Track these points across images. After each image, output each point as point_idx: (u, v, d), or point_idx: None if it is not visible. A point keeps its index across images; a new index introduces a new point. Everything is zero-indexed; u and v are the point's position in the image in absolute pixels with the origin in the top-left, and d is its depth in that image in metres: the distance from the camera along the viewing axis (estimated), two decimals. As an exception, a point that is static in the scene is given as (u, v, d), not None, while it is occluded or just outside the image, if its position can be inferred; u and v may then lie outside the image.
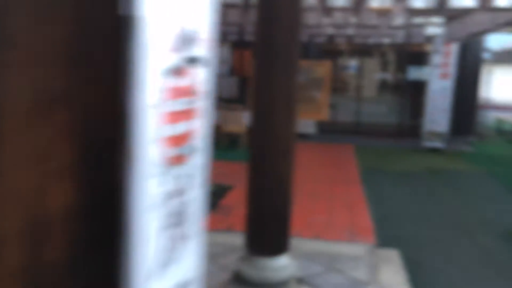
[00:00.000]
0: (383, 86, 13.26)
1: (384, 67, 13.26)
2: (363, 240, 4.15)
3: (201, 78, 1.25)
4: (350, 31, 9.90)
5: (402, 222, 4.75)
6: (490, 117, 13.37)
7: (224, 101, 11.88)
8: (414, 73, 11.14)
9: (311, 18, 6.09)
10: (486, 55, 10.98)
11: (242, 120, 9.08)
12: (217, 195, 5.68)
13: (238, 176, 6.53)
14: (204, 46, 1.24)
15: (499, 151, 9.74)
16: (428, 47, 11.39)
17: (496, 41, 12.46)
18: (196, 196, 1.37)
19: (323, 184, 6.41)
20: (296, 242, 3.92)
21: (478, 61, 10.71)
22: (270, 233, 2.75)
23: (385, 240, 4.19)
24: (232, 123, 9.25)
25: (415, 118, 12.12)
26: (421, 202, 5.63)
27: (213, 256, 3.64)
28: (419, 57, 12.21)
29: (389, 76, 13.25)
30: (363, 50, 11.86)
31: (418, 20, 10.61)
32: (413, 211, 5.19)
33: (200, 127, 1.33)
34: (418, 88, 12.55)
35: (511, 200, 5.79)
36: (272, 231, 2.75)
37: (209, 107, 1.35)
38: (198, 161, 1.36)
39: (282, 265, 2.79)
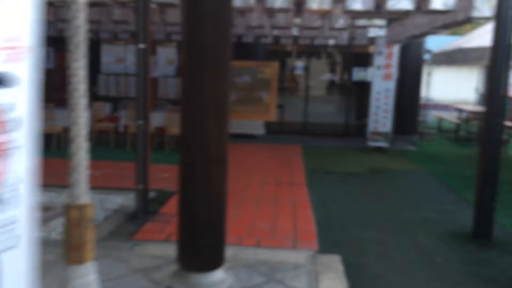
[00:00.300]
0: (330, 86, 13.42)
1: (330, 68, 13.43)
2: (306, 246, 4.06)
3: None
4: (294, 32, 9.89)
5: (345, 225, 4.72)
6: (431, 116, 13.87)
7: (171, 103, 11.56)
8: (359, 74, 11.33)
9: (254, 19, 5.97)
10: (426, 57, 11.36)
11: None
12: (157, 202, 5.43)
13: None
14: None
15: (440, 149, 10.07)
16: (371, 49, 11.62)
17: (435, 43, 12.94)
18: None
19: (268, 187, 6.30)
20: (236, 251, 3.77)
21: (419, 62, 11.05)
22: (203, 247, 2.57)
23: (328, 244, 4.13)
24: (178, 125, 8.96)
25: (361, 118, 12.35)
26: (365, 203, 5.64)
27: (146, 270, 3.41)
28: (364, 59, 12.44)
29: (335, 77, 13.42)
30: (309, 51, 11.92)
31: (361, 22, 10.78)
32: (357, 213, 5.18)
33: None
34: (363, 89, 12.79)
35: (451, 199, 5.93)
36: (206, 245, 2.57)
37: (29, 140, 1.07)
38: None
39: (216, 280, 2.62)
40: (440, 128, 13.25)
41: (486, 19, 4.43)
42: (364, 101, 13.01)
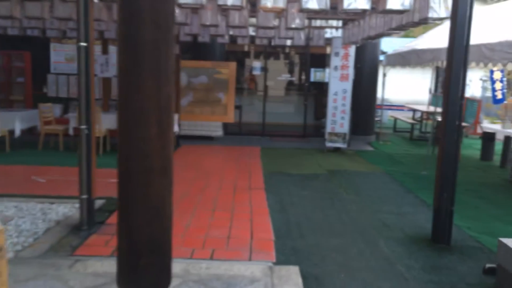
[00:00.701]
0: (288, 87, 13.34)
1: (288, 68, 13.35)
2: (263, 257, 3.85)
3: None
4: (251, 32, 9.72)
5: (304, 232, 4.55)
6: (386, 117, 14.07)
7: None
8: (317, 74, 11.28)
9: (208, 17, 5.70)
10: (381, 58, 11.47)
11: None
12: (105, 211, 5.07)
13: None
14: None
15: (396, 150, 10.17)
16: (329, 50, 11.61)
17: (388, 45, 13.14)
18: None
19: (225, 191, 6.06)
20: (188, 265, 3.51)
21: (375, 63, 11.14)
22: (145, 269, 2.30)
23: (286, 254, 3.94)
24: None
25: (319, 119, 12.33)
26: (323, 207, 5.51)
27: (88, 291, 3.10)
28: (321, 59, 12.45)
29: (293, 77, 13.34)
30: (267, 52, 11.77)
31: (317, 22, 10.72)
32: (316, 218, 5.03)
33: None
34: (321, 90, 12.80)
35: (409, 202, 5.90)
36: (148, 266, 2.30)
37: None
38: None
39: (162, 304, 2.36)
40: (395, 128, 13.45)
41: (442, 19, 4.38)
42: (322, 101, 13.01)
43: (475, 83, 21.92)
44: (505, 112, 16.29)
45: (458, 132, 4.02)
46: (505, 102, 15.11)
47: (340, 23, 9.85)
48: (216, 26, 6.08)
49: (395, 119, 13.53)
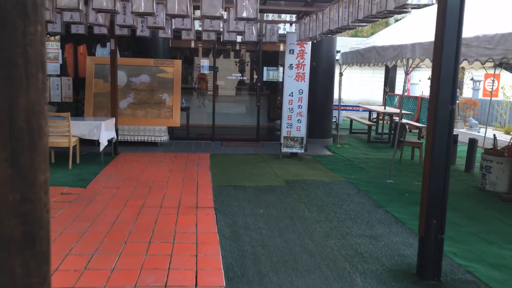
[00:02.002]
0: (240, 87, 12.45)
1: (240, 67, 12.46)
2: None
3: None
4: (197, 27, 8.80)
5: (262, 269, 3.68)
6: (341, 117, 13.51)
7: (53, 107, 9.76)
8: (270, 73, 10.47)
9: (139, 4, 4.69)
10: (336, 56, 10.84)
11: (71, 130, 7.25)
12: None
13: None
14: None
15: (355, 153, 9.55)
16: (282, 47, 10.85)
17: (338, 43, 12.54)
18: None
19: (167, 213, 5.08)
20: None
21: (332, 61, 10.48)
22: None
23: (241, 305, 3.05)
24: (57, 135, 7.35)
25: (273, 121, 11.55)
26: (283, 230, 4.67)
27: None
28: (275, 57, 11.67)
29: (245, 76, 12.48)
30: (217, 49, 10.81)
31: (270, 16, 9.91)
32: (275, 247, 4.17)
33: None
34: (275, 89, 12.03)
35: (380, 219, 5.18)
36: None
37: None
38: None
39: None
40: (351, 130, 12.93)
41: (423, 7, 3.65)
42: (276, 102, 12.24)
43: (424, 83, 22.08)
44: (458, 112, 16.27)
45: (449, 143, 3.28)
46: (457, 101, 15.02)
47: (294, 17, 9.09)
48: (151, 15, 5.09)
49: (351, 120, 13.01)
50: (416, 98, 14.07)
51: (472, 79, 19.26)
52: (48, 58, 9.73)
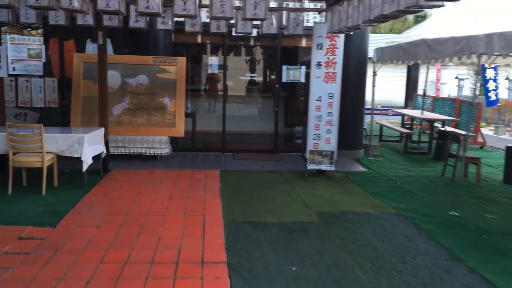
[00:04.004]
0: (254, 88, 10.87)
1: (254, 65, 10.88)
2: None
3: None
4: (204, 18, 7.31)
5: None
6: (365, 122, 11.88)
7: (35, 113, 8.26)
8: (290, 73, 8.86)
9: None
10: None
11: (45, 146, 5.75)
12: None
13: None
14: None
15: (394, 169, 7.93)
16: (308, 42, 9.26)
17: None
18: None
19: (157, 275, 3.52)
20: None
21: (364, 58, 8.86)
22: None
23: None
24: (28, 152, 5.84)
25: (291, 127, 9.98)
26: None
27: None
28: (294, 54, 10.09)
29: (261, 76, 10.88)
30: (228, 44, 9.21)
31: (291, 4, 8.32)
32: None
33: None
34: (294, 91, 10.46)
35: (467, 285, 3.57)
36: None
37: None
38: None
39: None
40: (381, 137, 11.29)
41: None
42: (295, 106, 10.67)
43: (451, 83, 20.30)
44: (498, 115, 14.54)
45: None
46: (498, 104, 13.30)
47: (324, 4, 7.49)
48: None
49: (381, 126, 11.36)
50: (453, 100, 12.36)
51: (507, 78, 17.49)
52: (29, 56, 8.24)
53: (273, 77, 9.24)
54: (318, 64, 7.07)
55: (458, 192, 5.88)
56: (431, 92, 17.80)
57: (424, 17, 25.82)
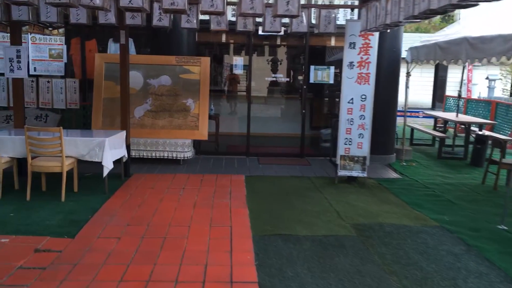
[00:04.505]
0: (280, 89, 10.49)
1: (280, 65, 10.51)
2: None
3: None
4: (229, 16, 6.99)
5: None
6: (399, 125, 11.38)
7: (57, 114, 8.07)
8: (318, 74, 8.46)
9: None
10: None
11: (64, 150, 5.51)
12: None
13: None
14: None
15: (430, 176, 7.46)
16: (337, 41, 8.87)
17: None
18: None
19: (185, 300, 3.19)
20: None
21: (397, 58, 8.40)
22: None
23: None
24: (47, 157, 5.60)
25: (317, 129, 9.58)
26: None
27: None
28: (321, 54, 9.69)
29: (287, 77, 10.50)
30: (253, 43, 8.86)
31: (320, 1, 7.94)
32: None
33: None
34: (320, 92, 10.07)
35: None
36: None
37: None
38: None
39: None
40: (412, 141, 10.78)
41: None
42: (321, 107, 10.26)
43: (482, 83, 19.51)
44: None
45: None
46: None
47: (356, 1, 7.07)
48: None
49: (412, 129, 10.84)
50: (488, 102, 11.74)
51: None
52: (50, 56, 8.05)
53: (300, 78, 8.84)
54: (351, 64, 6.66)
55: (499, 201, 5.39)
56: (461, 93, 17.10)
57: (452, 17, 25.01)
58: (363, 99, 6.69)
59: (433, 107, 21.09)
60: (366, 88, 6.68)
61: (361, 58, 6.64)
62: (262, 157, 8.59)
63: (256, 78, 9.65)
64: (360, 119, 6.71)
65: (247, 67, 8.93)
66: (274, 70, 10.44)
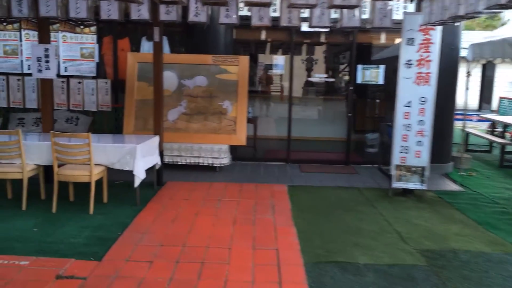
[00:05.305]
0: (323, 90, 9.80)
1: (323, 64, 9.82)
2: None
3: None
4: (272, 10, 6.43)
5: None
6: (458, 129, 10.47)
7: (87, 117, 7.67)
8: (366, 73, 7.73)
9: None
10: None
11: (93, 157, 5.05)
12: None
13: None
14: None
15: (494, 188, 6.62)
16: (389, 37, 8.13)
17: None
18: None
19: None
20: None
21: (455, 57, 7.56)
22: None
23: None
24: (75, 164, 5.15)
25: (360, 133, 8.85)
26: None
27: None
28: (366, 52, 8.94)
29: (331, 77, 9.79)
30: (294, 41, 8.20)
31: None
32: None
33: None
34: (365, 93, 9.32)
35: None
36: None
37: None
38: None
39: None
40: (467, 147, 9.85)
41: None
42: (366, 109, 9.51)
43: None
44: None
45: None
46: None
47: (415, -8, 6.34)
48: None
49: (467, 134, 9.91)
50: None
51: None
52: (81, 56, 7.65)
53: (345, 78, 8.14)
54: (408, 63, 5.91)
55: None
56: (508, 94, 15.91)
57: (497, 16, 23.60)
58: (422, 102, 5.93)
59: (480, 109, 19.84)
60: (426, 90, 5.92)
61: (421, 55, 5.89)
62: (304, 164, 7.94)
63: (296, 78, 9.00)
64: (419, 124, 5.96)
65: (288, 67, 8.28)
66: (316, 69, 9.76)
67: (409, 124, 5.98)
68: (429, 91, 5.91)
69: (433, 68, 5.89)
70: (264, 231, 4.58)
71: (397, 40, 8.49)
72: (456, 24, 5.88)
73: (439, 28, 5.82)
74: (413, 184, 6.04)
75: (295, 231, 4.59)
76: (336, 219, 5.03)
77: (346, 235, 4.52)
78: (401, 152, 6.04)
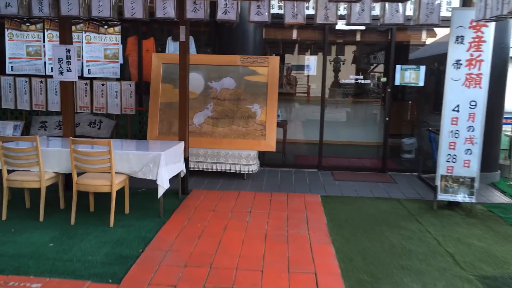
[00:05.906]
0: (357, 93, 9.27)
1: (359, 65, 9.29)
2: None
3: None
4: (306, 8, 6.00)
5: None
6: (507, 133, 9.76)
7: (111, 120, 7.39)
8: (405, 75, 7.18)
9: None
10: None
11: (114, 165, 4.71)
12: None
13: None
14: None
15: (551, 202, 5.98)
16: (430, 35, 7.57)
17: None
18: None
19: None
20: None
21: (504, 57, 6.95)
22: None
23: None
24: (96, 173, 4.83)
25: (394, 137, 8.30)
26: None
27: None
28: (408, 52, 8.38)
29: (367, 78, 9.24)
30: (328, 40, 7.72)
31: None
32: None
33: None
34: (402, 96, 8.76)
35: None
36: None
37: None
38: None
39: None
40: (511, 154, 9.13)
41: None
42: (402, 113, 8.94)
43: None
44: None
45: None
46: None
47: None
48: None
49: (511, 139, 9.20)
50: None
51: None
52: (105, 57, 7.37)
53: (383, 79, 7.61)
54: (457, 63, 5.37)
55: None
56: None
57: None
58: (472, 106, 5.37)
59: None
60: (476, 93, 5.36)
61: (471, 55, 5.33)
62: (337, 170, 7.45)
63: (329, 79, 8.51)
64: (468, 131, 5.40)
65: (320, 67, 7.80)
66: (353, 70, 9.23)
67: (457, 131, 5.43)
68: (480, 94, 5.35)
69: (485, 69, 5.32)
70: (299, 250, 4.14)
71: (436, 38, 7.92)
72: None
73: (492, 25, 5.25)
74: (461, 197, 5.48)
75: (333, 251, 4.13)
76: (378, 237, 4.54)
77: (391, 257, 4.03)
78: (448, 161, 5.49)
